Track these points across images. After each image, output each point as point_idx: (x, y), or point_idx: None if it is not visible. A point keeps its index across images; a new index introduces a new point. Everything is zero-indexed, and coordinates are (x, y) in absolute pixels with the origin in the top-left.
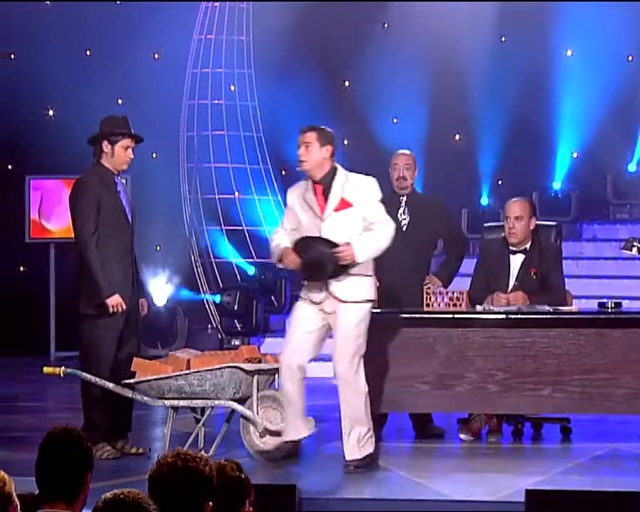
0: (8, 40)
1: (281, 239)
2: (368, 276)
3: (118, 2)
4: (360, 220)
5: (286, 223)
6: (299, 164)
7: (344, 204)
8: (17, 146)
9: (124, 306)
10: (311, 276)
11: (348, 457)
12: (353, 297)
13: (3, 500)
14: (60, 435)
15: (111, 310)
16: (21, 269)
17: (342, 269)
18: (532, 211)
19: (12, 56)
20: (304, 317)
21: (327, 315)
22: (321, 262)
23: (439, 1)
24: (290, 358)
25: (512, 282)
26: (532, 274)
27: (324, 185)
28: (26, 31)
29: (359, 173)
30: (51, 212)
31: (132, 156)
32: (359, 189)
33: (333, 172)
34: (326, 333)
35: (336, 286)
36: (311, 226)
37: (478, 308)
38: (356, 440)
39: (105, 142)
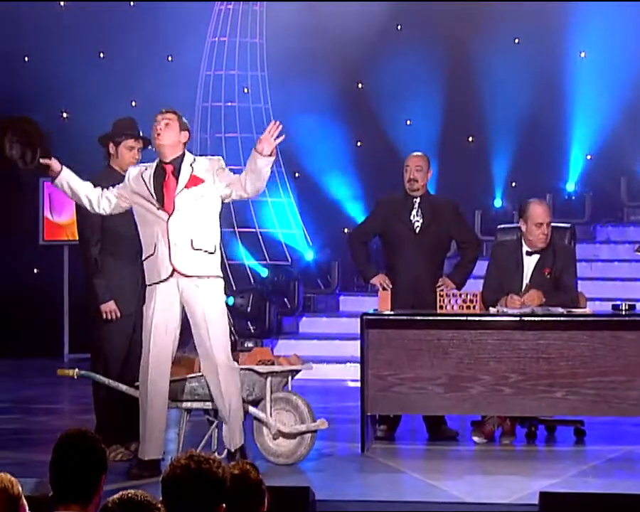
0: (23, 43)
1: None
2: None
3: (132, 3)
4: (212, 194)
5: (114, 189)
6: (154, 138)
7: (195, 180)
8: None
9: (119, 314)
10: None
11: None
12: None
13: (12, 502)
14: (74, 437)
15: (104, 316)
16: (35, 271)
17: None
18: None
19: (26, 59)
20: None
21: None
22: None
23: (451, 2)
24: None
25: (525, 283)
26: (546, 273)
27: (174, 165)
28: (40, 34)
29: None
30: (61, 207)
31: (138, 157)
32: (208, 166)
33: (182, 155)
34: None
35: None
36: (152, 200)
37: (492, 310)
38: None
39: (111, 144)
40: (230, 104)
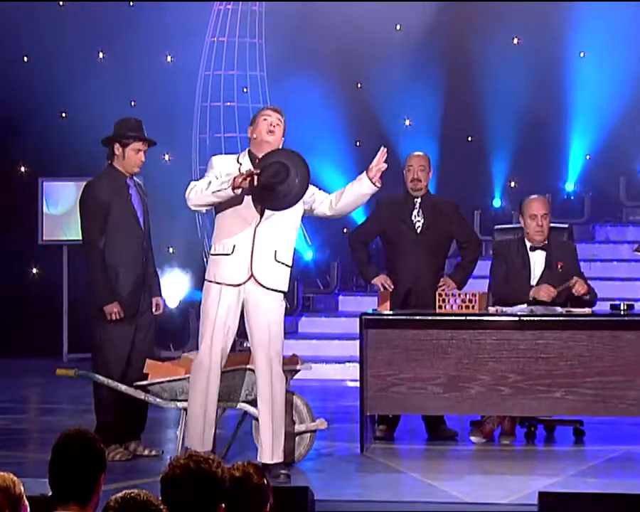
0: (22, 42)
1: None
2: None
3: (131, 4)
4: (300, 207)
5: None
6: (269, 134)
7: None
8: (31, 148)
9: (122, 314)
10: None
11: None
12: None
13: (14, 502)
14: (73, 437)
15: (108, 317)
16: (34, 270)
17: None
18: (551, 208)
19: (25, 59)
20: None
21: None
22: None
23: (451, 1)
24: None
25: (534, 277)
26: (559, 267)
27: None
28: (39, 34)
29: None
30: (57, 199)
31: (144, 159)
32: None
33: None
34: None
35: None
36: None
37: (491, 310)
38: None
39: (117, 145)
40: (229, 103)
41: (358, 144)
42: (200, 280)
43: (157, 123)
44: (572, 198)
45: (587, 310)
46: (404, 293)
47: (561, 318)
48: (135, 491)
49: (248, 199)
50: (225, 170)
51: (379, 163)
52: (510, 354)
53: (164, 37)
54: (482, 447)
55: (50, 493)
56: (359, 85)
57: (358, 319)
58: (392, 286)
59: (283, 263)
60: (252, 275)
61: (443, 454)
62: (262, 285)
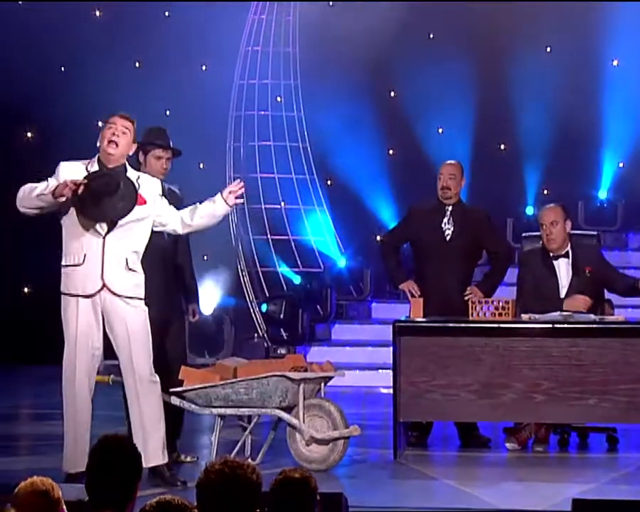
0: (59, 52)
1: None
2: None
3: (167, 13)
4: (150, 219)
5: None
6: (109, 144)
7: (140, 200)
8: (67, 156)
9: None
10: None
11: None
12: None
13: (52, 506)
14: (110, 443)
15: None
16: None
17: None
18: (566, 214)
19: (62, 68)
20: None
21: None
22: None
23: (479, 1)
24: None
25: (562, 286)
26: (587, 272)
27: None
28: (76, 44)
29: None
30: None
31: (166, 167)
32: (151, 188)
33: (124, 166)
34: None
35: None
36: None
37: (524, 317)
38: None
39: (140, 153)
40: (263, 112)
41: (390, 152)
42: (234, 287)
43: (192, 131)
44: (605, 205)
45: (619, 317)
46: (433, 300)
47: (594, 325)
48: (169, 496)
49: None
50: (70, 177)
51: (234, 190)
52: (544, 361)
53: (199, 47)
54: (515, 454)
55: (86, 499)
56: (392, 93)
57: (390, 326)
58: (419, 293)
59: (135, 270)
60: (104, 284)
61: (476, 460)
62: (115, 294)
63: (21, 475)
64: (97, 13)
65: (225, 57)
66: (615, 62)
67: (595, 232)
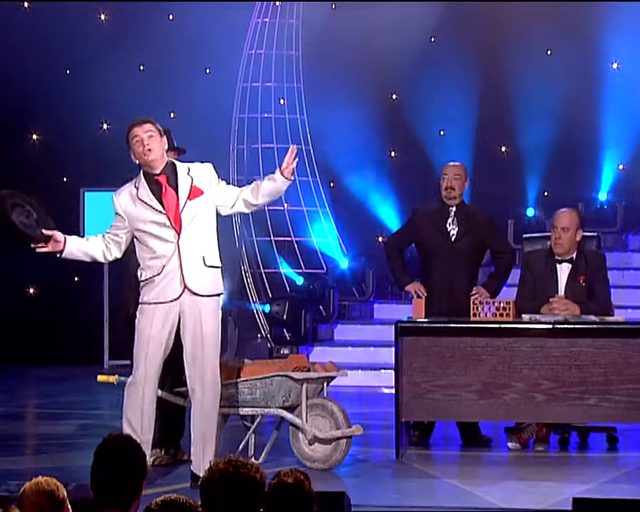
0: (65, 55)
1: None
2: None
3: (170, 17)
4: (212, 206)
5: (113, 229)
6: (145, 154)
7: (196, 191)
8: (72, 159)
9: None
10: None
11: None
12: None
13: (57, 505)
14: (115, 442)
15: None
16: (76, 279)
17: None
18: (580, 223)
19: (67, 71)
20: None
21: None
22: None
23: (481, 2)
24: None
25: (560, 291)
26: (581, 281)
27: (167, 175)
28: (81, 48)
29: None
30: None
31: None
32: (204, 175)
33: (172, 163)
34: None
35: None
36: (159, 218)
37: (525, 317)
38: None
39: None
40: (266, 115)
41: (393, 154)
42: (238, 288)
43: (196, 134)
44: (605, 207)
45: (619, 318)
46: (438, 301)
47: (594, 326)
48: (174, 495)
49: (159, 218)
50: (124, 204)
51: (289, 162)
52: (544, 361)
53: (203, 50)
54: (516, 453)
55: (92, 497)
56: (394, 96)
57: (393, 327)
58: (425, 294)
59: (213, 266)
60: (185, 287)
61: (478, 460)
62: (197, 294)
63: (26, 475)
64: (102, 16)
65: (228, 60)
66: (615, 65)
67: (595, 234)
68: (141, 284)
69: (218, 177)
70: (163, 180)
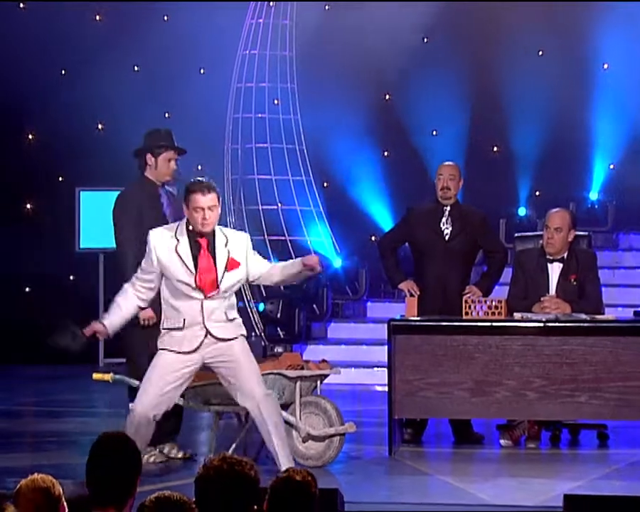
0: (60, 56)
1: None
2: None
3: (165, 18)
4: (244, 278)
5: (144, 275)
6: (202, 226)
7: (233, 264)
8: (68, 158)
9: (155, 320)
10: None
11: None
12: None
13: (53, 503)
14: (110, 440)
15: (142, 323)
16: (71, 278)
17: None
18: (572, 223)
19: (63, 72)
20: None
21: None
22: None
23: (474, 1)
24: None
25: (552, 290)
26: (572, 280)
27: (208, 240)
28: (77, 48)
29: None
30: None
31: (175, 168)
32: (241, 248)
33: (214, 232)
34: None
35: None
36: (189, 280)
37: (516, 316)
38: None
39: (149, 155)
40: (260, 115)
41: (386, 154)
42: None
43: (190, 134)
44: (596, 206)
45: (610, 316)
46: (432, 299)
47: (585, 324)
48: (168, 492)
49: (189, 280)
50: (160, 252)
51: (314, 268)
52: (536, 359)
53: (197, 51)
54: (508, 451)
55: (87, 495)
56: (387, 97)
57: (386, 325)
58: (418, 292)
59: (234, 319)
60: (207, 333)
61: (470, 457)
62: (219, 339)
63: (23, 472)
64: (97, 17)
65: (222, 60)
66: (605, 66)
67: (586, 233)
68: (162, 330)
69: (253, 248)
70: (204, 243)
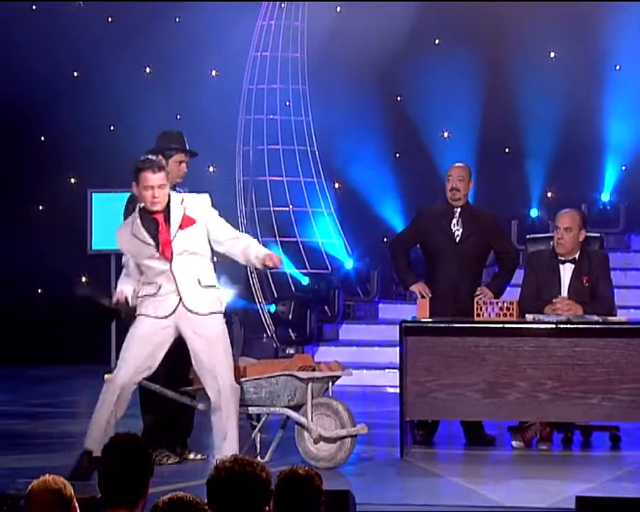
0: (72, 58)
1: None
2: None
3: (177, 19)
4: (205, 235)
5: (126, 264)
6: (152, 204)
7: (188, 221)
8: (80, 160)
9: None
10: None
11: None
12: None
13: (65, 504)
14: (122, 441)
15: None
16: (84, 279)
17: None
18: (583, 223)
19: (75, 74)
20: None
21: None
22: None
23: (486, 2)
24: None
25: (564, 291)
26: (584, 282)
27: (164, 213)
28: (89, 50)
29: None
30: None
31: (186, 170)
32: (198, 205)
33: (167, 198)
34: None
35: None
36: (151, 252)
37: (528, 317)
38: None
39: (160, 157)
40: (271, 117)
41: (397, 155)
42: (243, 288)
43: (202, 135)
44: (608, 208)
45: (622, 318)
46: (443, 301)
47: (597, 326)
48: (181, 493)
49: (151, 251)
50: (122, 239)
51: (275, 264)
52: (548, 361)
53: (209, 52)
54: (520, 452)
55: (98, 496)
56: (399, 98)
57: (397, 326)
58: (430, 294)
59: (209, 286)
60: (181, 302)
61: (481, 458)
62: (195, 313)
63: (34, 473)
64: (109, 18)
65: (234, 62)
66: (618, 67)
67: (598, 234)
68: (138, 299)
69: (220, 215)
70: (161, 218)
